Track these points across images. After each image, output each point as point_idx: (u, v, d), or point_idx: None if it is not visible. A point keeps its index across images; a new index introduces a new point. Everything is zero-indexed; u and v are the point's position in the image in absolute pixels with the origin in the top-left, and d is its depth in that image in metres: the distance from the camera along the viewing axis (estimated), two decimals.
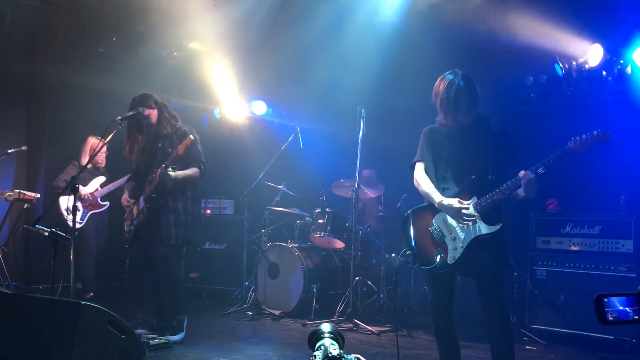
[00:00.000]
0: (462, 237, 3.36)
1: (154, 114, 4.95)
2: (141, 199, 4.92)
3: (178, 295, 4.98)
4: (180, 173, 4.82)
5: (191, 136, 4.75)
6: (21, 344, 3.54)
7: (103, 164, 6.75)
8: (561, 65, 6.02)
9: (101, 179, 6.64)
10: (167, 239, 4.81)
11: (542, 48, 5.89)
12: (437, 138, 3.60)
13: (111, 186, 6.55)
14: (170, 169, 4.72)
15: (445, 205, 3.39)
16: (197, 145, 4.99)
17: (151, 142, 5.04)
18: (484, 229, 3.32)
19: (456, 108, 3.41)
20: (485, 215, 3.34)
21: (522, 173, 3.27)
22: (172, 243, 4.84)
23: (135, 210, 4.96)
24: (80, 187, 6.41)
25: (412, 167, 3.71)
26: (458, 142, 3.51)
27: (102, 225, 6.67)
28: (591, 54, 5.82)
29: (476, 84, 3.48)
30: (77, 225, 6.11)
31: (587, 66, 5.88)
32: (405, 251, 3.57)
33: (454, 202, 3.36)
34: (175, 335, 4.77)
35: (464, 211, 3.33)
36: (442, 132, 3.59)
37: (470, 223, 3.34)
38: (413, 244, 3.55)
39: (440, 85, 3.49)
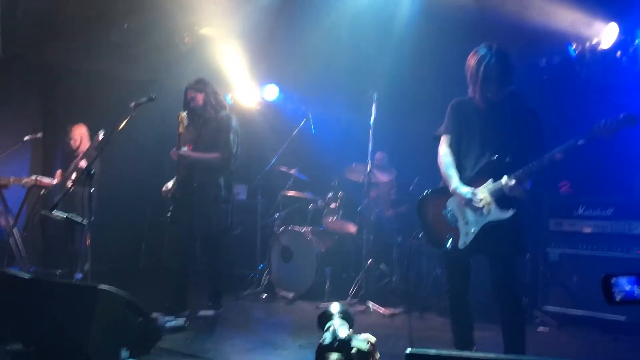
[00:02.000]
0: (475, 222, 3.33)
1: (199, 96, 5.08)
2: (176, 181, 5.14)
3: (219, 281, 5.22)
4: (194, 154, 4.94)
5: (182, 113, 4.90)
6: (40, 327, 3.63)
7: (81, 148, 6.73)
8: (574, 46, 5.96)
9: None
10: (203, 228, 5.00)
11: (555, 29, 5.83)
12: (465, 112, 3.51)
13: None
14: (184, 149, 4.88)
15: (458, 193, 3.36)
16: (229, 132, 5.09)
17: (193, 128, 5.14)
18: (496, 215, 3.27)
19: (483, 84, 3.32)
20: (500, 200, 3.27)
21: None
22: (208, 232, 5.04)
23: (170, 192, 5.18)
24: (59, 172, 6.61)
25: (436, 139, 3.62)
26: (484, 119, 3.43)
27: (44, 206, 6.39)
28: (605, 34, 5.75)
29: (512, 60, 3.35)
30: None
31: (601, 47, 5.82)
32: (419, 232, 3.58)
33: (469, 192, 3.32)
34: (207, 311, 5.05)
35: (475, 204, 3.29)
36: (470, 107, 3.50)
37: (484, 209, 3.29)
38: (426, 225, 3.57)
39: (472, 59, 3.38)
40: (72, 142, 6.72)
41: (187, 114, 5.04)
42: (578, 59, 6.01)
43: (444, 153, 3.53)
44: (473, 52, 3.41)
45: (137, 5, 6.86)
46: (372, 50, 6.73)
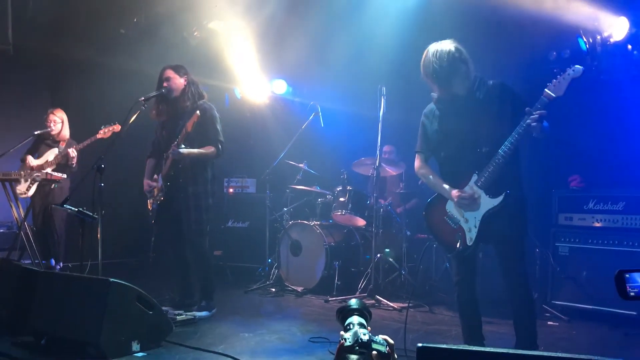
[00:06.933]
0: (473, 217, 3.44)
1: (177, 80, 4.89)
2: (160, 177, 4.98)
3: (209, 277, 5.04)
4: (194, 151, 4.80)
5: (198, 112, 4.70)
6: (52, 320, 3.66)
7: (63, 138, 6.47)
8: (585, 39, 5.92)
9: (54, 151, 6.37)
10: (190, 224, 4.86)
11: (566, 22, 5.79)
12: (432, 122, 3.66)
13: (59, 157, 6.29)
14: (183, 147, 4.72)
15: (448, 195, 3.51)
16: (216, 123, 4.95)
17: (171, 118, 5.00)
18: (488, 203, 3.38)
19: (445, 80, 3.42)
20: (489, 188, 3.38)
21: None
22: (195, 228, 4.87)
23: (156, 190, 5.02)
24: (30, 158, 6.33)
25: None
26: (453, 121, 3.53)
27: (53, 199, 6.10)
28: (616, 27, 5.70)
29: (463, 50, 3.44)
30: (25, 196, 6.08)
31: (612, 40, 5.77)
32: (433, 243, 3.67)
33: (453, 193, 3.46)
34: (202, 312, 4.86)
35: (465, 201, 3.41)
36: (435, 115, 3.64)
37: (476, 201, 3.40)
38: (435, 232, 3.70)
39: (425, 58, 3.50)
40: (53, 124, 6.34)
41: (159, 97, 4.89)
42: (589, 52, 5.97)
43: (420, 166, 3.73)
44: (425, 51, 3.52)
45: (145, 0, 6.87)
46: (381, 44, 6.69)
